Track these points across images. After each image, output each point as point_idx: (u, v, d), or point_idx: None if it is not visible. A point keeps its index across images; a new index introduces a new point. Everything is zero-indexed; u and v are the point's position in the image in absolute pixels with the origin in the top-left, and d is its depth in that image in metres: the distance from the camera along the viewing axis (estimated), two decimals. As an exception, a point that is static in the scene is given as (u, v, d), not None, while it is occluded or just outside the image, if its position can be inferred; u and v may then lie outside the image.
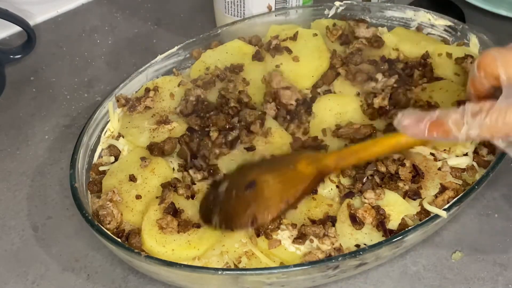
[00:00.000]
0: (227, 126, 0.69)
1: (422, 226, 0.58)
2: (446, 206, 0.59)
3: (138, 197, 0.64)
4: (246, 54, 0.78)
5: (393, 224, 0.60)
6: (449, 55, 0.75)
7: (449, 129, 0.50)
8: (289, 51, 0.77)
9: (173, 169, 0.67)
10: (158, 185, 0.65)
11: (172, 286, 0.63)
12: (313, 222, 0.61)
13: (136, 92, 0.76)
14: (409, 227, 0.58)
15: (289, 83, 0.73)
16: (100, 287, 0.65)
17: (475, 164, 0.65)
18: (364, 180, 0.63)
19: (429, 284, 0.63)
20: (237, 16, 0.85)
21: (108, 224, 0.62)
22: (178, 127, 0.71)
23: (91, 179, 0.68)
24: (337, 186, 0.64)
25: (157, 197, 0.64)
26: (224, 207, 0.59)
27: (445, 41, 0.79)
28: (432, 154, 0.66)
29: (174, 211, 0.61)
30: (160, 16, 0.98)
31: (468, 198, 0.60)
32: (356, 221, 0.60)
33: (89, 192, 0.66)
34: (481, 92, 0.55)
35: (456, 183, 0.63)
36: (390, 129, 0.68)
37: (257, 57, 0.78)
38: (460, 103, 0.68)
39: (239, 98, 0.72)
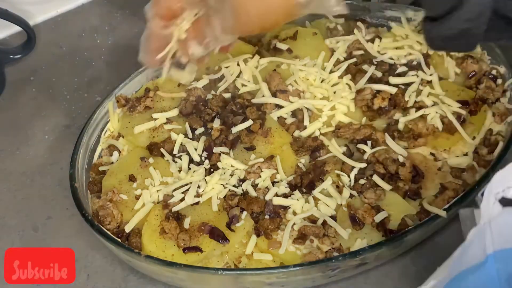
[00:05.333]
0: (231, 122, 0.69)
1: (422, 226, 0.58)
2: (446, 206, 0.59)
3: (138, 197, 0.64)
4: (246, 54, 0.78)
5: (393, 224, 0.60)
6: (449, 55, 0.75)
7: None
8: (289, 50, 0.77)
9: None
10: (158, 186, 0.65)
11: (172, 286, 0.63)
12: (313, 222, 0.61)
13: (136, 92, 0.77)
14: (409, 227, 0.58)
15: (287, 85, 0.73)
16: (100, 287, 0.65)
17: (475, 164, 0.65)
18: (364, 180, 0.63)
19: (429, 284, 0.63)
20: (237, 16, 0.85)
21: (108, 224, 0.62)
22: (178, 127, 0.71)
23: (91, 179, 0.68)
24: (337, 186, 0.64)
25: (158, 202, 0.64)
26: None
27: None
28: (432, 154, 0.66)
29: (177, 218, 0.62)
30: (160, 16, 0.98)
31: (468, 198, 0.59)
32: (356, 221, 0.60)
33: (89, 192, 0.66)
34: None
35: (456, 183, 0.63)
36: (390, 129, 0.68)
37: (257, 57, 0.78)
38: (460, 103, 0.68)
39: (241, 96, 0.72)
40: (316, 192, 0.62)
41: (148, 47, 0.61)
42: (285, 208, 0.62)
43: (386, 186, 0.62)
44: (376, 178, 0.63)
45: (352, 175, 0.64)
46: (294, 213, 0.61)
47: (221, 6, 0.54)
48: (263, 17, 0.54)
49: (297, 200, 0.62)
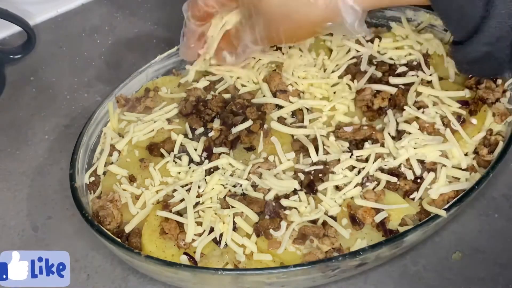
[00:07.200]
0: (231, 122, 0.69)
1: (422, 226, 0.58)
2: (446, 206, 0.59)
3: (138, 197, 0.64)
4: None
5: (393, 224, 0.60)
6: (448, 54, 0.75)
7: None
8: (289, 51, 0.77)
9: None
10: (158, 186, 0.65)
11: (172, 286, 0.63)
12: (313, 222, 0.61)
13: (136, 92, 0.77)
14: (409, 227, 0.58)
15: (287, 85, 0.73)
16: (100, 287, 0.65)
17: (475, 164, 0.65)
18: (364, 180, 0.63)
19: (429, 284, 0.63)
20: (237, 16, 0.85)
21: (108, 224, 0.62)
22: (178, 127, 0.71)
23: (91, 179, 0.68)
24: (337, 186, 0.64)
25: (158, 202, 0.64)
26: None
27: (445, 41, 0.79)
28: (432, 154, 0.66)
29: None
30: (160, 16, 0.98)
31: (468, 198, 0.59)
32: (356, 221, 0.60)
33: (89, 192, 0.66)
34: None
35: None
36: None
37: (257, 57, 0.78)
38: (460, 103, 0.68)
39: (241, 96, 0.72)
40: (316, 192, 0.62)
41: (186, 43, 0.71)
42: (285, 208, 0.62)
43: (386, 186, 0.62)
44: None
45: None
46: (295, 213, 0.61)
47: (256, 19, 0.61)
48: (290, 33, 0.62)
49: (298, 200, 0.62)
